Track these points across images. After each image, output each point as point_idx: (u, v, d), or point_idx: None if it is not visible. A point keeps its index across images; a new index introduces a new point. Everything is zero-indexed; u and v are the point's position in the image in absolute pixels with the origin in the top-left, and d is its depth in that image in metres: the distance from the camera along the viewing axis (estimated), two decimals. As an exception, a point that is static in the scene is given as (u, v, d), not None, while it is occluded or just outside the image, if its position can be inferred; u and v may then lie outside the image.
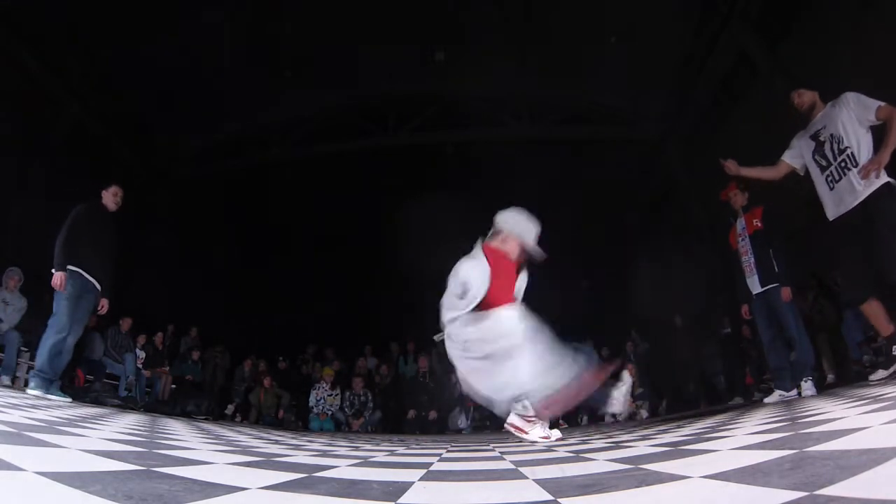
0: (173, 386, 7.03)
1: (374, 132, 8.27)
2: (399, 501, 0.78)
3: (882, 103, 2.98)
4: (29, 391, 3.59)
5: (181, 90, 6.98)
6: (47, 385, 3.64)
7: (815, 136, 3.27)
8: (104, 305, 4.06)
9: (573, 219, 8.33)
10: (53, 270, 3.76)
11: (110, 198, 4.19)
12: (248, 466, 1.19)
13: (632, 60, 6.77)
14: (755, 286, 3.87)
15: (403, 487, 0.91)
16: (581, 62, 6.97)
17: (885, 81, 4.50)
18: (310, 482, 0.97)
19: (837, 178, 3.10)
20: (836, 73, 4.96)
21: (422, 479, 1.04)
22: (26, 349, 5.37)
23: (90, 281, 3.91)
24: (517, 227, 2.68)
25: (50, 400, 3.40)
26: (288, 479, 0.97)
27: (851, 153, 3.03)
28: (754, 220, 3.94)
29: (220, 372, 7.89)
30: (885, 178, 2.91)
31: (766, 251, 3.82)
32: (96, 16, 5.77)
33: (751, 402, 4.95)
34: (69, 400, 3.69)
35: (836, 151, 3.12)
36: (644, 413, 6.48)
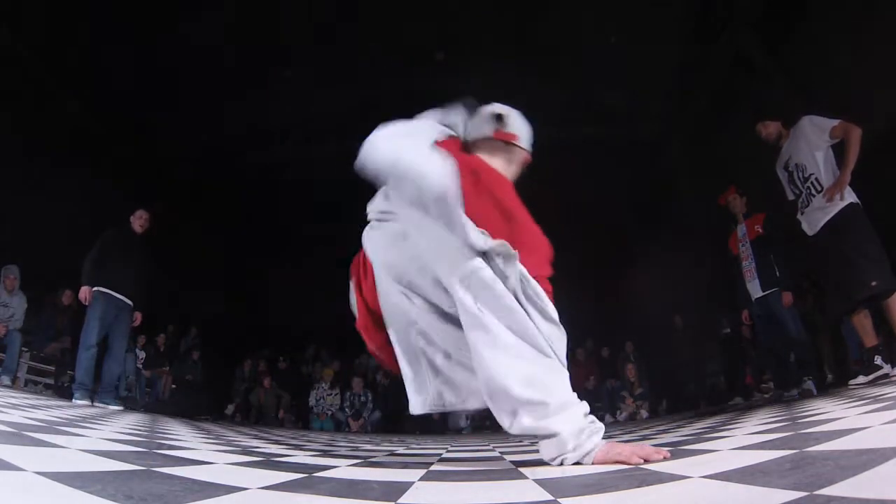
0: (173, 386, 7.03)
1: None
2: (399, 501, 0.78)
3: (836, 121, 3.10)
4: (75, 401, 3.94)
5: (181, 90, 6.97)
6: (91, 394, 4.03)
7: (785, 167, 3.41)
8: (138, 318, 4.50)
9: (572, 219, 8.32)
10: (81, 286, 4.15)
11: (136, 221, 4.59)
12: (248, 466, 1.19)
13: (632, 60, 6.77)
14: (756, 290, 3.91)
15: (403, 487, 0.91)
16: (581, 62, 6.96)
17: (886, 81, 4.52)
18: (310, 482, 0.97)
19: (807, 203, 3.24)
20: (836, 73, 4.96)
21: (422, 479, 1.04)
22: (26, 349, 5.37)
23: (121, 300, 4.27)
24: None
25: (101, 407, 3.80)
26: (288, 479, 0.97)
27: (816, 179, 3.16)
28: (755, 226, 3.99)
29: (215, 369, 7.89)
30: (849, 199, 3.02)
31: (767, 256, 3.87)
32: (96, 15, 5.76)
33: (751, 401, 4.96)
34: (121, 408, 4.09)
35: (802, 180, 3.26)
36: (644, 413, 6.48)
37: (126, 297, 4.30)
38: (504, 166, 1.44)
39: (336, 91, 7.78)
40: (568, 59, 6.91)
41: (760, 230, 3.95)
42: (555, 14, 6.34)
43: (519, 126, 1.49)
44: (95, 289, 4.14)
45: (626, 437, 2.21)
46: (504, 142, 1.45)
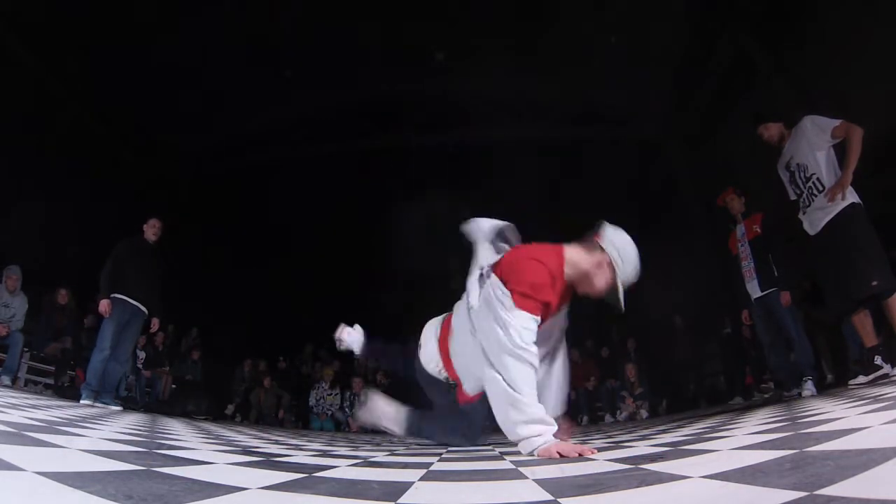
0: (173, 386, 7.03)
1: (374, 132, 8.26)
2: (399, 501, 0.78)
3: (838, 121, 3.09)
4: (82, 401, 4.01)
5: (181, 90, 6.97)
6: (95, 396, 4.13)
7: (787, 167, 3.41)
8: (155, 324, 4.59)
9: (572, 218, 8.32)
10: (99, 298, 4.25)
11: (149, 230, 4.62)
12: (248, 466, 1.19)
13: (632, 60, 6.77)
14: (755, 290, 3.91)
15: (403, 487, 0.91)
16: (581, 62, 6.96)
17: (885, 82, 4.52)
18: (310, 482, 0.97)
19: (808, 203, 3.23)
20: (836, 72, 4.96)
21: (422, 479, 1.04)
22: (27, 349, 5.37)
23: (135, 305, 4.37)
24: (622, 254, 1.88)
25: (102, 407, 3.87)
26: (288, 479, 0.97)
27: (817, 178, 3.15)
28: (753, 226, 3.99)
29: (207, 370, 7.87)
30: (850, 199, 3.01)
31: (766, 256, 3.86)
32: (96, 16, 5.76)
33: (751, 401, 4.96)
34: (120, 408, 4.15)
35: (803, 179, 3.25)
36: (644, 413, 6.48)
37: (139, 303, 4.39)
38: (585, 258, 1.89)
39: (335, 91, 7.78)
40: (568, 58, 6.91)
41: (758, 230, 3.95)
42: (555, 14, 6.35)
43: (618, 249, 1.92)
44: (112, 295, 4.25)
45: (625, 437, 2.21)
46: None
